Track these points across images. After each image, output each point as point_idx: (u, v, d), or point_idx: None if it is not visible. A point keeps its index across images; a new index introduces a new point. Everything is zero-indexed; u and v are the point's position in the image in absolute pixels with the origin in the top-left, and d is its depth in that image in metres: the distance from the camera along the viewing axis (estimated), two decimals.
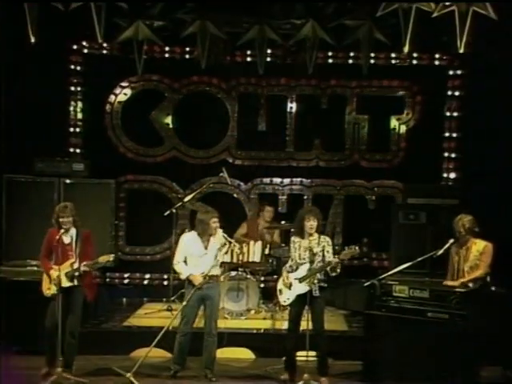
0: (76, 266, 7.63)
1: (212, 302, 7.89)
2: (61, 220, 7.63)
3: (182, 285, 8.28)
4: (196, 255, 7.92)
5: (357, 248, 7.68)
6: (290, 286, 7.79)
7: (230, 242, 7.94)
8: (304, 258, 7.71)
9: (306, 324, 7.62)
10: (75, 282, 7.67)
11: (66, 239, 7.69)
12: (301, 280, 7.67)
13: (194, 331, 7.97)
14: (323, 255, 7.70)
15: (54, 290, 7.59)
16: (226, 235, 7.93)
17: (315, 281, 7.64)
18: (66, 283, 7.60)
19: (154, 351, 8.33)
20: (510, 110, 9.86)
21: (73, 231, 7.70)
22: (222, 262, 8.10)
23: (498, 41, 8.77)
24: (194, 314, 7.92)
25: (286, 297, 7.84)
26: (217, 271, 7.97)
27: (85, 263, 7.64)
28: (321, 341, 7.71)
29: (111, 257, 7.74)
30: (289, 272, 7.85)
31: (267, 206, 10.67)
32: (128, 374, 7.59)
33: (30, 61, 9.94)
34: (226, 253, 8.06)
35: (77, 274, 7.65)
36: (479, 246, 7.65)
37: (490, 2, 7.60)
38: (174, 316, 8.15)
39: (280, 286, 7.94)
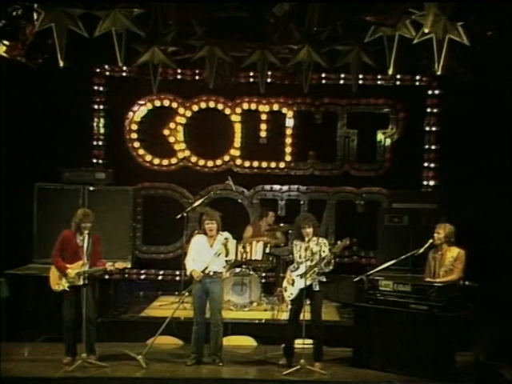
0: (86, 267, 7.55)
1: (214, 295, 7.86)
2: (83, 225, 7.60)
3: (191, 280, 8.31)
4: (201, 253, 7.90)
5: (347, 240, 7.72)
6: (292, 283, 7.79)
7: (227, 239, 7.85)
8: (304, 257, 7.70)
9: (303, 315, 7.63)
10: (85, 281, 7.57)
11: (80, 242, 7.65)
12: (301, 276, 7.68)
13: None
14: (320, 254, 7.70)
15: (63, 285, 7.58)
16: (227, 237, 7.86)
17: (315, 276, 7.64)
18: (78, 282, 7.57)
19: (167, 339, 8.41)
20: (482, 125, 9.92)
21: (86, 235, 7.62)
22: (227, 261, 8.01)
23: (472, 64, 8.81)
24: (203, 306, 7.91)
25: (290, 292, 7.82)
26: (219, 268, 7.90)
27: (110, 265, 7.67)
28: (318, 330, 7.73)
29: (128, 264, 7.75)
30: (292, 271, 7.86)
31: (270, 212, 10.77)
32: (139, 357, 7.68)
33: (60, 84, 10.04)
34: (228, 257, 7.92)
35: (86, 274, 7.55)
36: (453, 253, 7.65)
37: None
38: (176, 307, 8.23)
39: (285, 284, 7.93)
